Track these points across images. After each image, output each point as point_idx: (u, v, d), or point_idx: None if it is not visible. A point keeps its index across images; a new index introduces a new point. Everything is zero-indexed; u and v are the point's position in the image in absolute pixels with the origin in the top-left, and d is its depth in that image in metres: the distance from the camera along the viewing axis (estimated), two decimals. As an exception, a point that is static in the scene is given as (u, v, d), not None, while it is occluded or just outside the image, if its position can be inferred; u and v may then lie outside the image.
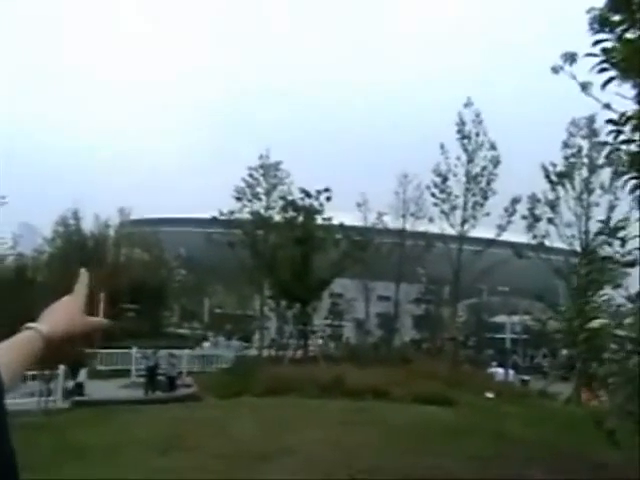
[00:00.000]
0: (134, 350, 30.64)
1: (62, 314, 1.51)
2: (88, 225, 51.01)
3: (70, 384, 24.00)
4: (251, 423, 17.66)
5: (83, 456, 13.76)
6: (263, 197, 40.10)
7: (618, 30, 6.96)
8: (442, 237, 37.12)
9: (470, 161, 35.09)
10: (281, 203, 39.19)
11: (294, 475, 12.06)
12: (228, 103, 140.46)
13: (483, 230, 36.22)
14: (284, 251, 36.76)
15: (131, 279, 46.26)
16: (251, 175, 40.17)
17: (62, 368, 23.13)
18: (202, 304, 52.74)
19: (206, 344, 41.58)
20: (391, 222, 44.78)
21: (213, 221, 41.40)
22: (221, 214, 40.34)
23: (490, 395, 25.98)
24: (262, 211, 39.64)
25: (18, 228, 49.32)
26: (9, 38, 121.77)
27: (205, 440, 15.36)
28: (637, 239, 7.58)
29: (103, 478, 11.79)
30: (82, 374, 25.02)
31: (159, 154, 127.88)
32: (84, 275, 1.61)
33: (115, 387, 25.94)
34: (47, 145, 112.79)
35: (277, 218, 38.94)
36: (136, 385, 26.40)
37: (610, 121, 7.21)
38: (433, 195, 36.31)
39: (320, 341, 41.34)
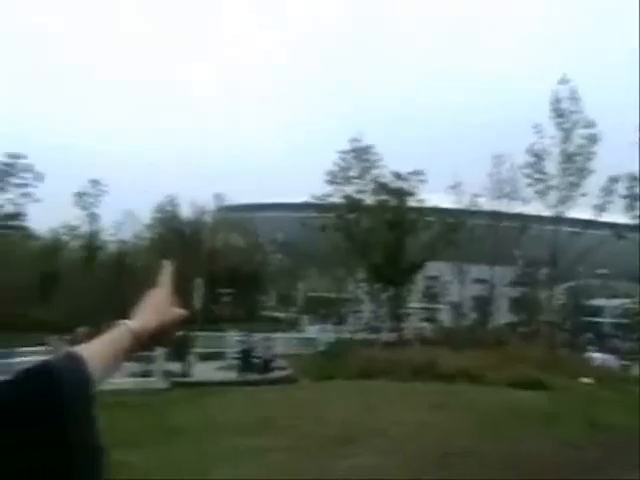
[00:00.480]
0: (230, 333, 31.25)
1: (150, 309, 1.55)
2: (185, 211, 52.27)
3: (171, 366, 24.71)
4: (342, 405, 17.81)
5: (178, 434, 14.21)
6: (355, 180, 40.14)
7: None
8: (538, 218, 36.35)
9: (566, 140, 34.18)
10: (373, 186, 39.18)
11: (383, 457, 12.14)
12: (321, 88, 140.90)
13: (581, 211, 35.26)
14: (377, 234, 36.77)
15: (227, 264, 47.20)
16: (343, 159, 40.29)
17: (161, 350, 23.82)
18: (297, 288, 53.30)
19: (308, 327, 41.98)
20: (485, 204, 44.14)
21: (307, 205, 41.78)
22: (314, 198, 40.64)
23: (587, 380, 25.37)
24: (354, 194, 39.68)
25: (120, 215, 51.03)
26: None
27: (296, 421, 15.58)
28: None
29: (196, 456, 12.15)
30: (189, 356, 25.77)
31: (254, 140, 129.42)
32: (167, 266, 1.65)
33: (211, 369, 26.54)
34: (151, 133, 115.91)
35: (369, 201, 38.94)
36: (232, 367, 26.91)
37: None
38: (528, 175, 35.60)
39: (414, 324, 41.22)
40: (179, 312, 1.60)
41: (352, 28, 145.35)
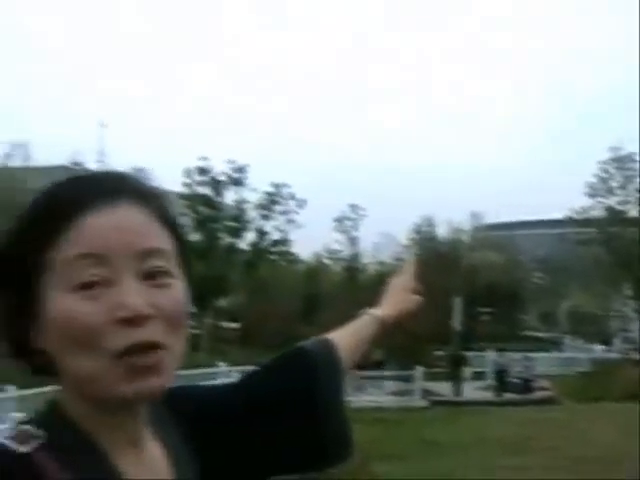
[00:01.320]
0: (490, 353, 30.95)
1: (393, 297, 1.59)
2: (443, 231, 52.62)
3: (430, 385, 25.10)
4: (607, 428, 17.05)
5: (438, 450, 14.49)
6: (617, 191, 38.27)
7: None
8: None
9: None
10: (637, 196, 37.15)
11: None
12: (576, 98, 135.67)
13: None
14: (643, 247, 34.75)
15: (486, 283, 46.82)
16: (604, 169, 38.60)
17: (419, 369, 24.29)
18: (558, 306, 51.57)
19: (571, 347, 40.50)
20: None
21: (566, 221, 40.52)
22: (574, 213, 39.35)
23: None
24: (617, 206, 37.83)
25: (378, 237, 52.54)
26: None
27: (558, 442, 15.22)
28: None
29: (455, 471, 12.32)
30: (465, 372, 26.11)
31: (508, 157, 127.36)
32: (411, 258, 1.72)
33: (471, 389, 26.51)
34: (400, 157, 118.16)
35: (634, 212, 36.95)
36: (491, 387, 26.74)
37: None
38: None
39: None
40: (418, 300, 1.63)
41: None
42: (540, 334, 49.40)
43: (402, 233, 53.18)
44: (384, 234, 53.40)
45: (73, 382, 0.98)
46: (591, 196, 38.29)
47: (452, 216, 52.75)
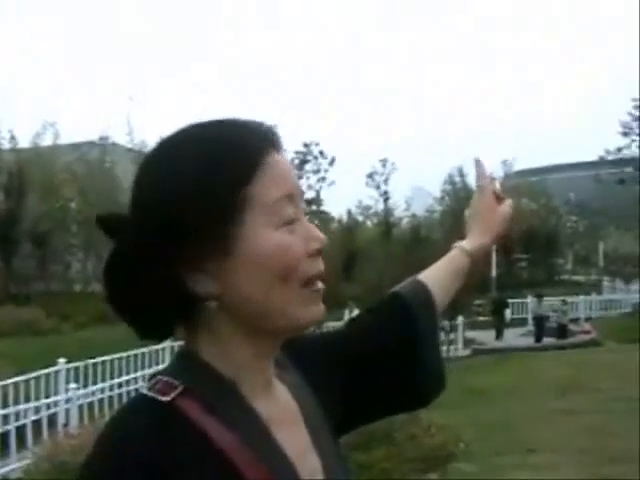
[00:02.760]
0: (529, 299, 30.91)
1: (480, 225, 1.55)
2: (474, 181, 52.24)
3: (470, 334, 25.21)
4: (652, 367, 16.99)
5: (484, 397, 14.60)
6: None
7: None
8: None
9: None
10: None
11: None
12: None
13: None
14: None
15: (521, 229, 46.57)
16: (638, 106, 37.84)
17: (461, 319, 24.37)
18: (596, 248, 51.04)
19: (610, 289, 40.14)
20: None
21: (600, 162, 39.99)
22: (608, 153, 38.77)
23: None
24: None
25: (410, 191, 52.27)
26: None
27: (604, 383, 15.20)
28: None
29: (502, 417, 12.42)
30: (506, 319, 26.33)
31: (540, 104, 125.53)
32: (482, 164, 1.70)
33: (512, 335, 26.59)
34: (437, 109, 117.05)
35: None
36: (532, 333, 26.77)
37: None
38: None
39: None
40: (508, 214, 1.57)
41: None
42: (578, 278, 49.09)
43: (434, 185, 52.94)
44: (416, 187, 53.13)
45: (250, 316, 1.02)
46: (625, 135, 37.60)
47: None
